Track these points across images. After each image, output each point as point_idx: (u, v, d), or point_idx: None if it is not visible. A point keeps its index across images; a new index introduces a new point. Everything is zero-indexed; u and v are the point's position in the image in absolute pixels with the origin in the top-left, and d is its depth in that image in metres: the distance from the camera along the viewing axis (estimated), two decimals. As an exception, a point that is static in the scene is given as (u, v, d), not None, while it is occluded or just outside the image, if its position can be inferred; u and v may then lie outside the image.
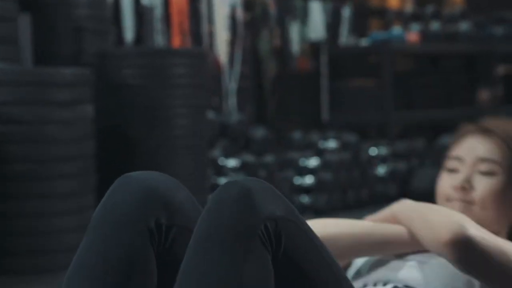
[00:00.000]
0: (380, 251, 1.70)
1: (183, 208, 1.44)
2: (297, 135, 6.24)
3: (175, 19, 6.43)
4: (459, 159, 1.81)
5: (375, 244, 1.68)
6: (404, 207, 1.72)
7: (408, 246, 1.68)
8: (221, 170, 5.55)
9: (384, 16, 8.75)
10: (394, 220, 1.71)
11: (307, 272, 1.39)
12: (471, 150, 1.81)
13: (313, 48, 7.66)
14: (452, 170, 1.82)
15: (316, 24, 7.63)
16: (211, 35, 6.77)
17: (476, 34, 7.86)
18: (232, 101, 6.88)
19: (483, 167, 1.77)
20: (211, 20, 6.78)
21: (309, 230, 1.42)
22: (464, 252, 1.55)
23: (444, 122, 7.39)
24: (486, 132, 1.82)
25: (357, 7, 8.29)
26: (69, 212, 3.83)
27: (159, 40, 6.25)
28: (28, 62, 4.45)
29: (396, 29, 7.81)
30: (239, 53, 6.96)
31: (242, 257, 1.31)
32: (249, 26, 7.15)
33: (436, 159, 5.97)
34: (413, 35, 7.45)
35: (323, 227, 1.65)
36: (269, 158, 5.63)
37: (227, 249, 1.31)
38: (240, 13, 7.00)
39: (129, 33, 6.06)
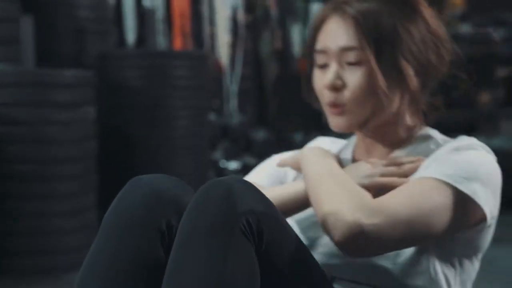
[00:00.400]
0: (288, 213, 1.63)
1: None
2: (298, 137, 6.24)
3: (177, 20, 6.44)
4: (324, 51, 1.61)
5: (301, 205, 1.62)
6: (305, 156, 1.62)
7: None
8: (222, 172, 5.56)
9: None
10: (299, 166, 1.66)
11: (288, 266, 1.41)
12: (334, 38, 1.58)
13: (314, 50, 7.65)
14: (323, 66, 1.62)
15: (317, 26, 7.63)
16: (213, 37, 6.78)
17: (476, 36, 7.87)
18: (233, 103, 6.88)
19: (349, 57, 1.57)
20: (212, 22, 6.79)
21: (287, 226, 1.44)
22: (362, 250, 1.44)
23: (444, 125, 7.37)
24: (340, 12, 1.58)
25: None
26: (69, 213, 3.84)
27: (160, 41, 6.26)
28: (30, 63, 4.46)
29: (397, 31, 7.80)
30: (240, 55, 6.96)
31: (225, 250, 1.33)
32: (250, 28, 7.16)
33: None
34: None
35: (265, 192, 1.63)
36: (270, 160, 5.63)
37: (210, 244, 1.33)
38: (241, 15, 7.01)
39: (130, 35, 6.07)
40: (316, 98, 1.68)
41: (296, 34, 7.50)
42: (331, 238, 1.43)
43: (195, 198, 1.39)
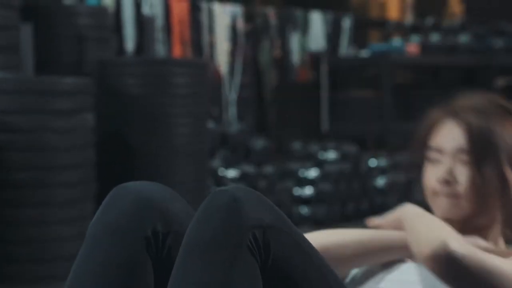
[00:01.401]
0: (384, 257, 1.70)
1: (178, 216, 1.45)
2: (296, 145, 6.25)
3: (176, 28, 6.44)
4: (439, 150, 1.75)
5: (379, 251, 1.68)
6: (405, 213, 1.72)
7: (403, 252, 1.68)
8: (221, 180, 5.55)
9: (384, 27, 8.78)
10: (399, 225, 1.72)
11: (297, 279, 1.40)
12: (449, 140, 1.74)
13: (313, 59, 7.68)
14: (435, 161, 1.75)
15: (317, 35, 7.65)
16: (212, 45, 6.79)
17: (475, 46, 7.88)
18: (232, 111, 6.89)
19: (464, 157, 1.71)
20: (211, 30, 6.80)
21: (298, 237, 1.43)
22: (444, 268, 1.54)
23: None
24: (457, 118, 1.76)
25: (357, 19, 8.31)
26: (69, 220, 3.84)
27: (159, 49, 6.27)
28: (30, 70, 4.46)
29: (396, 41, 7.83)
30: (239, 63, 6.97)
31: (229, 266, 1.31)
32: (250, 37, 7.17)
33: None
34: (412, 46, 7.47)
35: (328, 235, 1.66)
36: (268, 169, 5.64)
37: (215, 258, 1.32)
38: (240, 24, 7.02)
39: (130, 43, 6.08)
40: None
41: (295, 42, 7.51)
42: (421, 253, 1.57)
43: (200, 209, 1.38)
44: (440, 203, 1.74)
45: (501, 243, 1.75)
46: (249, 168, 5.62)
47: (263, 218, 1.36)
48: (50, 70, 4.64)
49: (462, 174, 1.70)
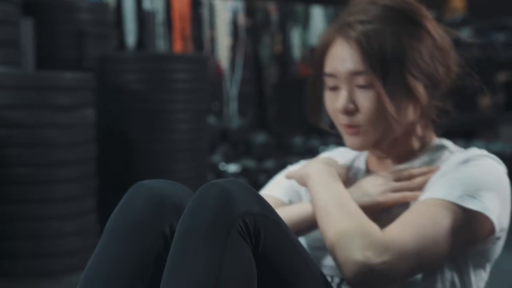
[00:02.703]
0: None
1: None
2: (297, 140, 6.25)
3: (177, 24, 6.44)
4: (333, 75, 1.61)
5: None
6: (315, 187, 1.61)
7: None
8: (222, 175, 5.56)
9: (386, 22, 8.75)
10: (303, 183, 1.67)
11: (284, 268, 1.41)
12: (341, 62, 1.59)
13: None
14: (333, 88, 1.62)
15: (317, 29, 7.64)
16: (213, 40, 6.79)
17: (477, 41, 7.87)
18: (233, 107, 6.89)
19: (359, 81, 1.57)
20: (212, 26, 6.79)
21: (285, 227, 1.44)
22: (373, 286, 1.46)
23: (444, 129, 7.36)
24: (344, 35, 1.58)
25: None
26: (69, 216, 3.84)
27: (160, 45, 6.26)
28: (30, 66, 4.46)
29: (397, 36, 7.80)
30: (240, 59, 6.97)
31: (221, 252, 1.33)
32: (251, 32, 7.17)
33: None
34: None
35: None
36: (269, 164, 5.63)
37: (206, 245, 1.33)
38: (241, 19, 7.02)
39: (130, 38, 6.07)
40: (320, 118, 1.73)
41: (296, 38, 7.51)
42: (342, 274, 1.47)
43: (191, 201, 1.39)
44: (347, 139, 1.64)
45: (430, 136, 1.70)
46: (250, 163, 5.62)
47: (252, 207, 1.38)
48: (50, 65, 4.64)
49: (362, 100, 1.58)
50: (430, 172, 1.61)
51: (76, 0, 4.91)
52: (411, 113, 1.61)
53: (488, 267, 1.63)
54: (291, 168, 1.80)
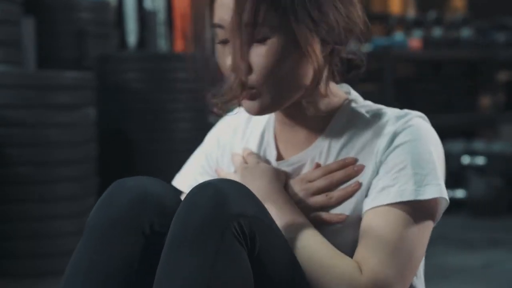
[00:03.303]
0: None
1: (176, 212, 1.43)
2: (298, 140, 6.24)
3: (178, 23, 6.44)
4: (221, 26, 1.44)
5: None
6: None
7: None
8: (223, 175, 5.55)
9: (386, 21, 8.76)
10: None
11: (282, 271, 1.37)
12: (227, 12, 1.41)
13: (315, 53, 7.66)
14: (223, 41, 1.46)
15: (318, 29, 7.64)
16: (214, 40, 6.78)
17: (478, 40, 7.87)
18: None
19: (249, 33, 1.39)
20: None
21: (278, 231, 1.40)
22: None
23: (445, 128, 7.39)
24: None
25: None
26: (70, 216, 3.84)
27: (161, 44, 6.26)
28: (31, 65, 4.46)
29: (398, 35, 7.82)
30: (241, 58, 6.97)
31: (215, 255, 1.29)
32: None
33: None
34: (415, 41, 7.46)
35: None
36: (270, 163, 5.64)
37: (199, 248, 1.29)
38: (242, 18, 7.02)
39: (131, 37, 6.07)
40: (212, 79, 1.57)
41: (297, 37, 7.50)
42: None
43: (184, 201, 1.35)
44: (243, 103, 1.47)
45: (335, 93, 1.54)
46: (251, 163, 5.62)
47: (247, 208, 1.34)
48: (51, 64, 4.63)
49: (254, 56, 1.40)
50: (351, 165, 1.48)
51: (77, -1, 4.91)
52: (309, 72, 1.44)
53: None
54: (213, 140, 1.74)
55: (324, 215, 1.46)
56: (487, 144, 6.05)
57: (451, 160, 5.92)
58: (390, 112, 1.51)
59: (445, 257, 4.53)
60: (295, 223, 1.44)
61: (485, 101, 8.09)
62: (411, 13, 9.46)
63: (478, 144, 6.02)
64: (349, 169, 1.48)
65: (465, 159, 5.92)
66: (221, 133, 1.74)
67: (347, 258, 1.40)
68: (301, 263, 1.40)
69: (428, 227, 1.45)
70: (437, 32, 7.85)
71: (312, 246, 1.41)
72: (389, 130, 1.46)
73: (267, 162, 1.57)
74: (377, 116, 1.51)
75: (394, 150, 1.44)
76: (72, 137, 3.86)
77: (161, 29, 6.28)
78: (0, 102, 3.73)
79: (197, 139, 5.36)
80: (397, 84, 7.23)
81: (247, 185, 1.43)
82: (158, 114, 4.59)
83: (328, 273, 1.38)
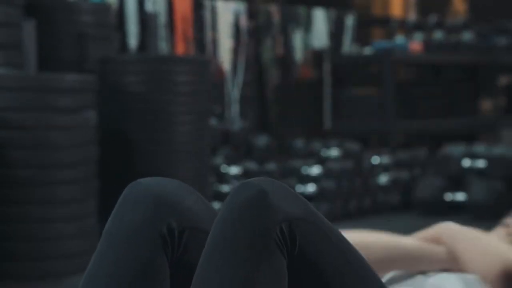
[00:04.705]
0: (413, 265, 1.68)
1: (192, 210, 1.43)
2: (299, 143, 6.24)
3: (179, 26, 6.44)
4: None
5: (410, 258, 1.67)
6: (450, 229, 1.67)
7: (441, 264, 1.68)
8: (223, 178, 5.56)
9: (387, 25, 8.77)
10: (437, 239, 1.70)
11: (326, 270, 1.36)
12: None
13: (316, 56, 7.67)
14: None
15: (320, 32, 7.64)
16: (215, 42, 6.79)
17: (479, 44, 7.87)
18: (234, 109, 6.89)
19: None
20: (214, 28, 6.79)
21: (328, 229, 1.39)
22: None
23: (446, 132, 7.39)
24: None
25: (360, 16, 8.30)
26: (70, 218, 3.84)
27: (162, 47, 6.26)
28: (32, 67, 4.46)
29: (399, 38, 7.82)
30: (242, 61, 6.97)
31: (256, 263, 1.29)
32: (253, 34, 7.17)
33: (438, 168, 5.97)
34: (416, 44, 7.46)
35: (361, 236, 1.65)
36: (271, 166, 5.63)
37: (241, 255, 1.29)
38: (243, 21, 7.02)
39: (133, 40, 6.07)
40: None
41: (298, 40, 7.50)
42: (491, 269, 1.52)
43: (226, 203, 1.35)
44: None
45: None
46: (252, 166, 5.62)
47: (290, 211, 1.33)
48: (52, 67, 4.63)
49: None
50: None
51: (78, 1, 4.91)
52: None
53: None
54: None
55: None
56: (487, 147, 6.05)
57: (451, 163, 5.92)
58: None
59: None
60: None
61: (486, 104, 8.08)
62: (412, 16, 9.46)
63: (479, 148, 6.02)
64: None
65: (466, 163, 5.92)
66: None
67: None
68: None
69: None
70: (438, 35, 7.85)
71: None
72: None
73: None
74: None
75: None
76: (73, 140, 3.86)
77: (162, 31, 6.28)
78: (1, 104, 3.73)
79: (197, 141, 5.38)
80: (398, 87, 7.23)
81: None
82: (158, 116, 4.59)
83: None
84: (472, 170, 5.88)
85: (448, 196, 5.91)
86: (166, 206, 1.42)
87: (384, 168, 6.20)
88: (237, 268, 1.29)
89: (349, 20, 7.98)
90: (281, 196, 1.34)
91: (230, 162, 5.66)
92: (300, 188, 5.70)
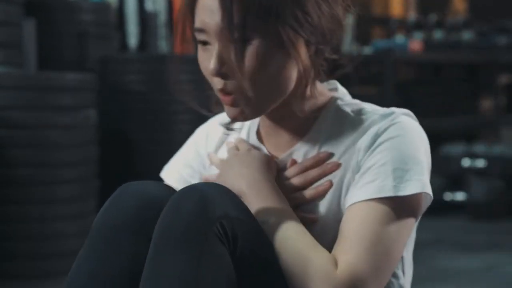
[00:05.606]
0: None
1: None
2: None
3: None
4: (202, 31, 1.40)
5: None
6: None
7: None
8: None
9: (387, 24, 8.77)
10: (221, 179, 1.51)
11: (263, 270, 1.38)
12: (210, 16, 1.38)
13: (316, 56, 7.67)
14: (204, 43, 1.42)
15: (319, 31, 7.64)
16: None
17: (479, 43, 7.87)
18: (234, 108, 6.89)
19: (233, 35, 1.35)
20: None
21: (261, 230, 1.40)
22: None
23: (446, 131, 7.39)
24: None
25: (360, 15, 8.30)
26: (70, 217, 3.84)
27: (162, 46, 6.26)
28: (32, 66, 4.46)
29: (399, 38, 7.82)
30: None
31: (198, 256, 1.30)
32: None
33: (438, 167, 5.97)
34: (416, 43, 7.46)
35: None
36: (271, 165, 5.64)
37: (183, 249, 1.30)
38: (243, 20, 7.02)
39: (132, 39, 6.07)
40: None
41: (298, 39, 7.51)
42: None
43: (168, 204, 1.36)
44: (226, 109, 1.45)
45: (321, 94, 1.51)
46: (251, 165, 5.62)
47: (230, 210, 1.34)
48: (52, 66, 4.64)
49: (235, 59, 1.36)
50: (322, 159, 1.47)
51: (78, 1, 4.91)
52: (293, 74, 1.41)
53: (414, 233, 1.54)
54: (205, 133, 1.73)
55: (297, 214, 1.45)
56: (487, 146, 6.05)
57: (451, 163, 5.92)
58: (376, 111, 1.50)
59: (445, 259, 4.53)
60: (277, 212, 1.42)
61: (486, 104, 8.08)
62: (412, 15, 9.46)
63: (478, 147, 6.02)
64: (323, 166, 1.47)
65: (466, 162, 5.92)
66: (211, 129, 1.75)
67: (325, 251, 1.38)
68: (279, 251, 1.39)
69: (408, 224, 1.42)
70: (438, 34, 7.85)
71: (292, 236, 1.39)
72: (372, 129, 1.45)
73: (259, 149, 1.55)
74: (362, 115, 1.49)
75: (376, 148, 1.42)
76: (73, 139, 3.86)
77: (162, 30, 6.28)
78: (1, 103, 3.74)
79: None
80: (398, 87, 7.23)
81: (234, 172, 1.46)
82: (158, 115, 4.60)
83: (305, 264, 1.36)
84: (472, 170, 5.89)
85: (448, 196, 5.92)
86: (155, 210, 1.41)
87: (384, 167, 6.19)
88: (180, 261, 1.29)
89: (349, 19, 7.97)
90: (221, 197, 1.35)
91: (230, 161, 5.66)
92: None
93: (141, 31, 6.13)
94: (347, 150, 1.47)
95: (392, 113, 1.49)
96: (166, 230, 1.33)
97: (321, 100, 1.51)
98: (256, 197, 1.44)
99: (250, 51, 1.37)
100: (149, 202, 1.42)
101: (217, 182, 1.46)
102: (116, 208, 1.42)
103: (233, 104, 1.43)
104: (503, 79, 8.39)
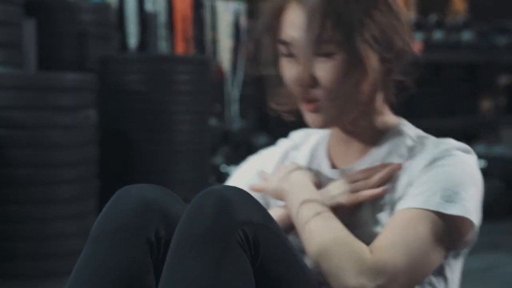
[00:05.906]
0: None
1: (179, 220, 1.43)
2: (299, 142, 6.24)
3: (179, 25, 6.44)
4: (289, 43, 1.52)
5: None
6: (287, 184, 1.57)
7: None
8: (223, 177, 5.56)
9: (387, 24, 8.75)
10: (280, 195, 1.61)
11: (285, 279, 1.39)
12: (297, 31, 1.50)
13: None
14: (289, 55, 1.53)
15: (319, 32, 7.63)
16: (215, 42, 6.79)
17: (478, 44, 7.87)
18: (234, 108, 6.88)
19: (318, 50, 1.48)
20: (214, 27, 6.79)
21: (284, 237, 1.43)
22: None
23: (445, 131, 7.38)
24: (302, 1, 1.50)
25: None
26: (70, 217, 3.84)
27: (162, 46, 6.26)
28: (32, 66, 4.46)
29: (399, 38, 7.80)
30: (242, 61, 6.97)
31: (219, 262, 1.30)
32: (253, 34, 7.16)
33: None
34: (415, 44, 7.46)
35: None
36: (271, 166, 5.63)
37: (204, 254, 1.31)
38: (243, 20, 7.02)
39: (132, 39, 6.07)
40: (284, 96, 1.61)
41: (298, 40, 7.50)
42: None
43: (189, 208, 1.37)
44: (307, 116, 1.56)
45: (389, 114, 1.65)
46: (251, 165, 5.61)
47: (252, 215, 1.36)
48: (52, 66, 4.64)
49: (322, 71, 1.49)
50: (386, 168, 1.55)
51: (78, 1, 4.91)
52: (367, 88, 1.54)
53: (462, 261, 1.60)
54: (258, 160, 1.77)
55: (364, 192, 1.53)
56: (487, 147, 6.05)
57: (451, 163, 5.91)
58: (437, 140, 1.59)
59: (445, 260, 4.52)
60: (313, 205, 1.51)
61: (486, 104, 8.08)
62: (412, 16, 9.45)
63: (478, 147, 6.02)
64: (388, 167, 1.55)
65: (466, 162, 5.91)
66: (265, 159, 1.79)
67: (361, 242, 1.46)
68: (315, 239, 1.46)
69: (444, 242, 1.48)
70: (438, 35, 7.85)
71: (328, 225, 1.48)
72: (429, 155, 1.54)
73: (318, 173, 1.64)
74: (424, 139, 1.61)
75: (432, 167, 1.52)
76: (73, 139, 3.86)
77: (162, 31, 6.28)
78: (1, 103, 3.74)
79: (197, 141, 5.39)
80: (398, 87, 7.22)
81: (279, 176, 1.59)
82: (158, 116, 4.60)
83: (340, 249, 1.44)
84: (472, 170, 5.87)
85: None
86: (155, 214, 1.42)
87: (383, 167, 6.20)
88: (201, 266, 1.31)
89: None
90: (243, 202, 1.37)
91: (230, 162, 5.66)
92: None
93: (141, 31, 6.13)
94: (405, 169, 1.55)
95: (448, 143, 1.58)
96: (187, 234, 1.34)
97: (389, 119, 1.63)
98: (298, 196, 1.54)
99: (333, 64, 1.48)
100: (147, 206, 1.43)
101: (269, 187, 1.61)
102: (115, 212, 1.43)
103: (315, 111, 1.53)
104: (503, 79, 8.39)
